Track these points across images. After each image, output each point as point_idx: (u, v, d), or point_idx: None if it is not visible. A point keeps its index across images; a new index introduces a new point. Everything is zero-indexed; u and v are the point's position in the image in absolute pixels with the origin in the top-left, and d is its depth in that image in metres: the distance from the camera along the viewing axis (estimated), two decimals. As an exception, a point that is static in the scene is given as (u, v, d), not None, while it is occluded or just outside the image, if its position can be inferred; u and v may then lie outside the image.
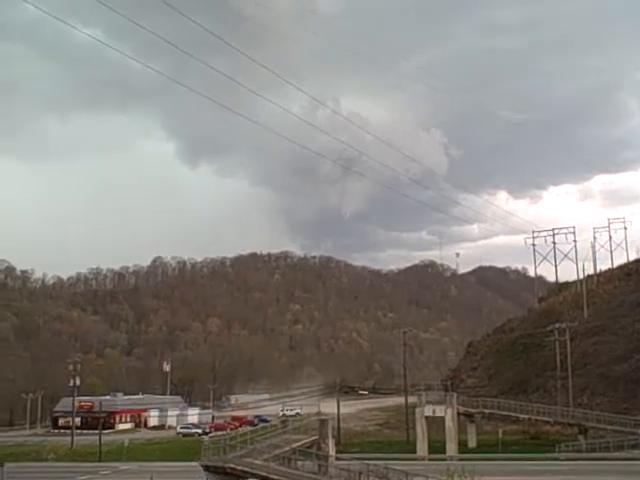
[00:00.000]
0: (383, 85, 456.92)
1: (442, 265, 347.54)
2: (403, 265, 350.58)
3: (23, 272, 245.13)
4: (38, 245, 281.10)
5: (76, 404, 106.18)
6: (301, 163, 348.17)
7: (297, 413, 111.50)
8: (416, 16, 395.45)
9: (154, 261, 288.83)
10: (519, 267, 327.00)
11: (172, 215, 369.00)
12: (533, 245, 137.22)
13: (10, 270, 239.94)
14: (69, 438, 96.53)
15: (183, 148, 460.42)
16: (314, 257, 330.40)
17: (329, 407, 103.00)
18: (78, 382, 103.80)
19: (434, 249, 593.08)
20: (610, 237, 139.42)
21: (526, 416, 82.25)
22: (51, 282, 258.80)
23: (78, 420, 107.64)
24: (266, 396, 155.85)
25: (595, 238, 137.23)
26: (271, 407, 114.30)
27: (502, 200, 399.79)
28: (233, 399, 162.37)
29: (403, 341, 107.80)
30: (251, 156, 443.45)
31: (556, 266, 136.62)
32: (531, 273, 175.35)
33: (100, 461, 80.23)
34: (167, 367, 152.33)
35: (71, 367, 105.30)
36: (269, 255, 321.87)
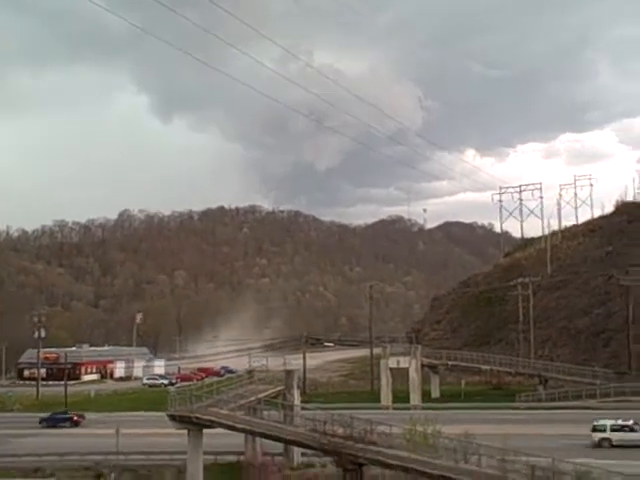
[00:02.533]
0: (358, 39, 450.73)
1: (410, 220, 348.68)
2: (371, 220, 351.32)
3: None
4: (1, 197, 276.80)
5: (41, 355, 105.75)
6: (275, 118, 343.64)
7: (263, 365, 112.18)
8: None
9: (121, 214, 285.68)
10: (485, 223, 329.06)
11: (141, 169, 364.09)
12: (500, 201, 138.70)
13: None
14: (34, 389, 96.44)
15: (156, 102, 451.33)
16: (282, 211, 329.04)
17: (295, 359, 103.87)
18: (43, 334, 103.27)
19: (402, 205, 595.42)
20: (575, 194, 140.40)
21: (488, 367, 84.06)
22: (15, 235, 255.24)
23: (43, 371, 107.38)
24: (232, 347, 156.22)
25: (561, 195, 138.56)
26: (237, 359, 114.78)
27: (470, 157, 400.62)
28: (199, 350, 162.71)
29: (369, 294, 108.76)
30: (224, 111, 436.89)
31: (522, 222, 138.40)
32: (497, 229, 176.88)
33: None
34: (139, 319, 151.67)
35: (36, 319, 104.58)
36: (237, 209, 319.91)
